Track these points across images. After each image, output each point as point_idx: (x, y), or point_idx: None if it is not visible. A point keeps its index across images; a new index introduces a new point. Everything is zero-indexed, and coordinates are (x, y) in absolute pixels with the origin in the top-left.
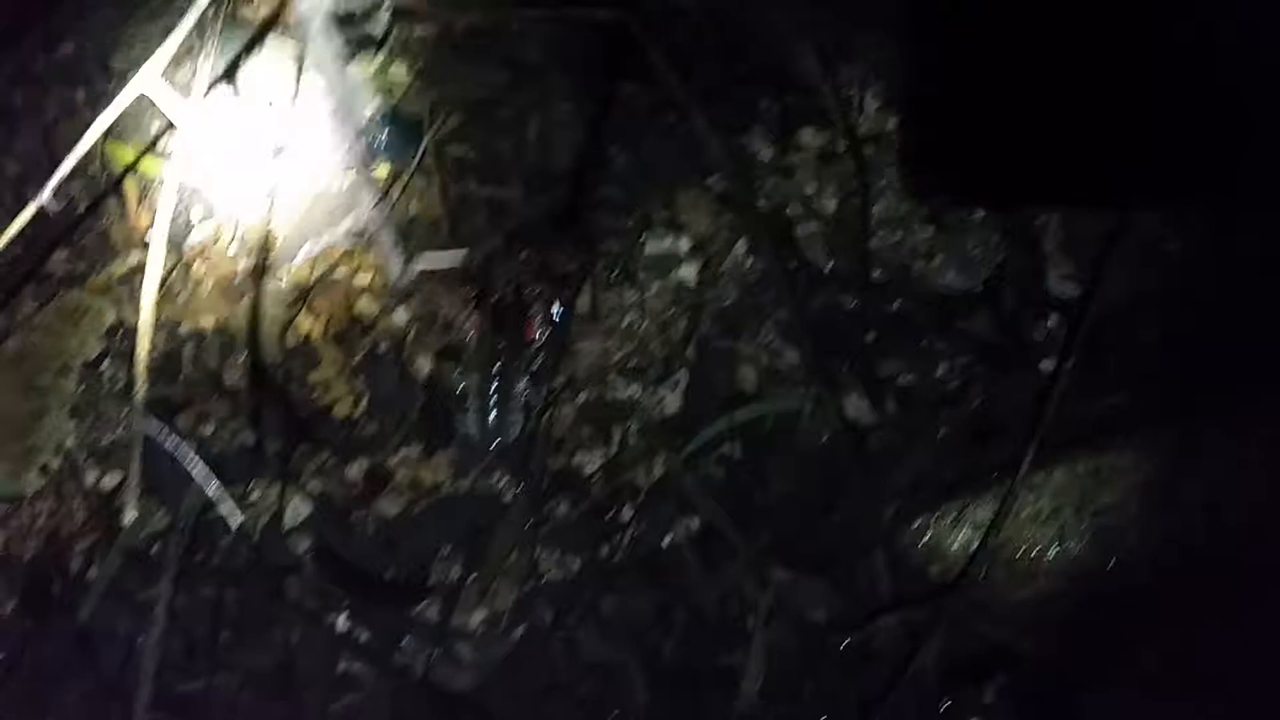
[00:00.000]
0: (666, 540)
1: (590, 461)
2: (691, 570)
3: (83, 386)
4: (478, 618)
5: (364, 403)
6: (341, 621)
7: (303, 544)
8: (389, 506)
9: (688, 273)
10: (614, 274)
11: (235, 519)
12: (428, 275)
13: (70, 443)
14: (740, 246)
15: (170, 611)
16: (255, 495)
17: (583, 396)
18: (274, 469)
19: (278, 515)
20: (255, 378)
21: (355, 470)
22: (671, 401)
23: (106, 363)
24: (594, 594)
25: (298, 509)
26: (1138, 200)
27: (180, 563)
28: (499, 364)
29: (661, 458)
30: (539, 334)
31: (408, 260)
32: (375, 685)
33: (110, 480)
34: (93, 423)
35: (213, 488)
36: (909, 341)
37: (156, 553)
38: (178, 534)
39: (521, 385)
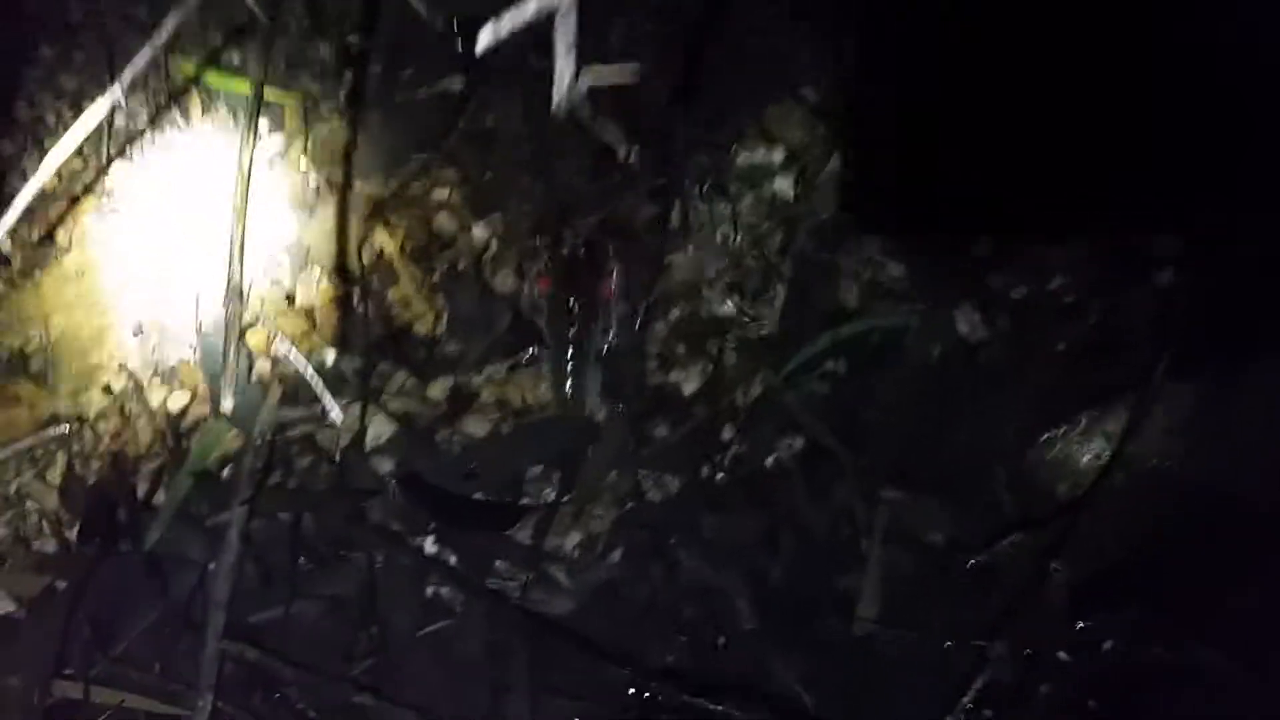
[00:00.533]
0: (770, 460)
1: (688, 380)
2: (798, 490)
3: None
4: (573, 541)
5: (445, 320)
6: (429, 545)
7: (385, 465)
8: (475, 426)
9: (782, 185)
10: (704, 187)
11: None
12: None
13: (134, 361)
14: (836, 159)
15: (244, 536)
16: (334, 415)
17: (676, 312)
18: (353, 388)
19: (359, 436)
20: (330, 295)
21: (438, 389)
22: (769, 318)
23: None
24: (695, 516)
25: (379, 429)
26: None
27: (255, 485)
28: (573, 329)
29: (761, 375)
30: (616, 291)
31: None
32: (466, 610)
33: (177, 400)
34: (157, 342)
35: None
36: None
37: (229, 475)
38: (252, 455)
39: (598, 350)
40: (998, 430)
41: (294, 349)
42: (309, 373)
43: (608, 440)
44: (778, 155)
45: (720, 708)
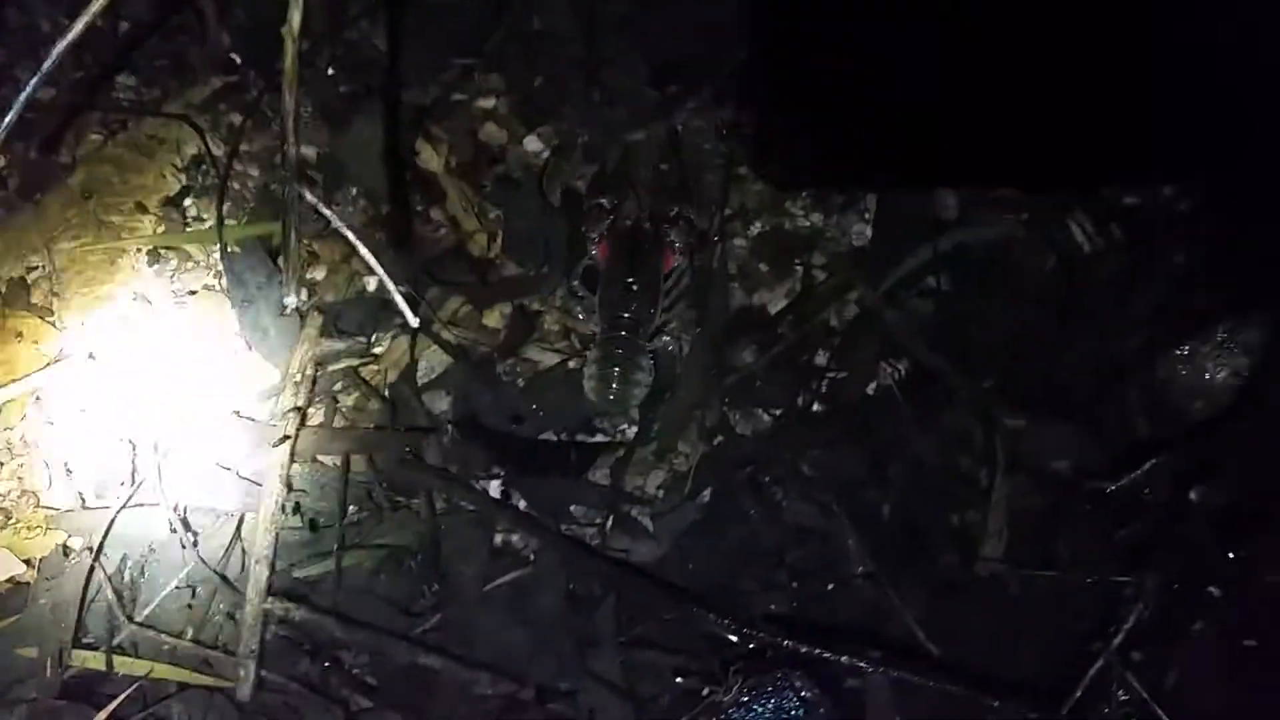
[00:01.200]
0: (872, 386)
1: (773, 300)
2: (905, 419)
3: (161, 227)
4: (656, 481)
5: (499, 240)
6: (494, 488)
7: (440, 402)
8: (540, 356)
9: None
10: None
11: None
12: None
13: (151, 289)
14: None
15: (285, 482)
16: (381, 348)
17: (756, 227)
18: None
19: (409, 369)
20: (370, 214)
21: (496, 316)
22: (860, 230)
23: (190, 199)
24: (793, 450)
25: (432, 362)
26: None
27: (297, 426)
28: (626, 313)
29: (856, 294)
30: (679, 263)
31: None
32: (541, 559)
33: None
34: (177, 267)
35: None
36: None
37: (268, 415)
38: (290, 390)
39: (649, 346)
40: (1121, 347)
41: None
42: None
43: (689, 369)
44: None
45: (833, 655)
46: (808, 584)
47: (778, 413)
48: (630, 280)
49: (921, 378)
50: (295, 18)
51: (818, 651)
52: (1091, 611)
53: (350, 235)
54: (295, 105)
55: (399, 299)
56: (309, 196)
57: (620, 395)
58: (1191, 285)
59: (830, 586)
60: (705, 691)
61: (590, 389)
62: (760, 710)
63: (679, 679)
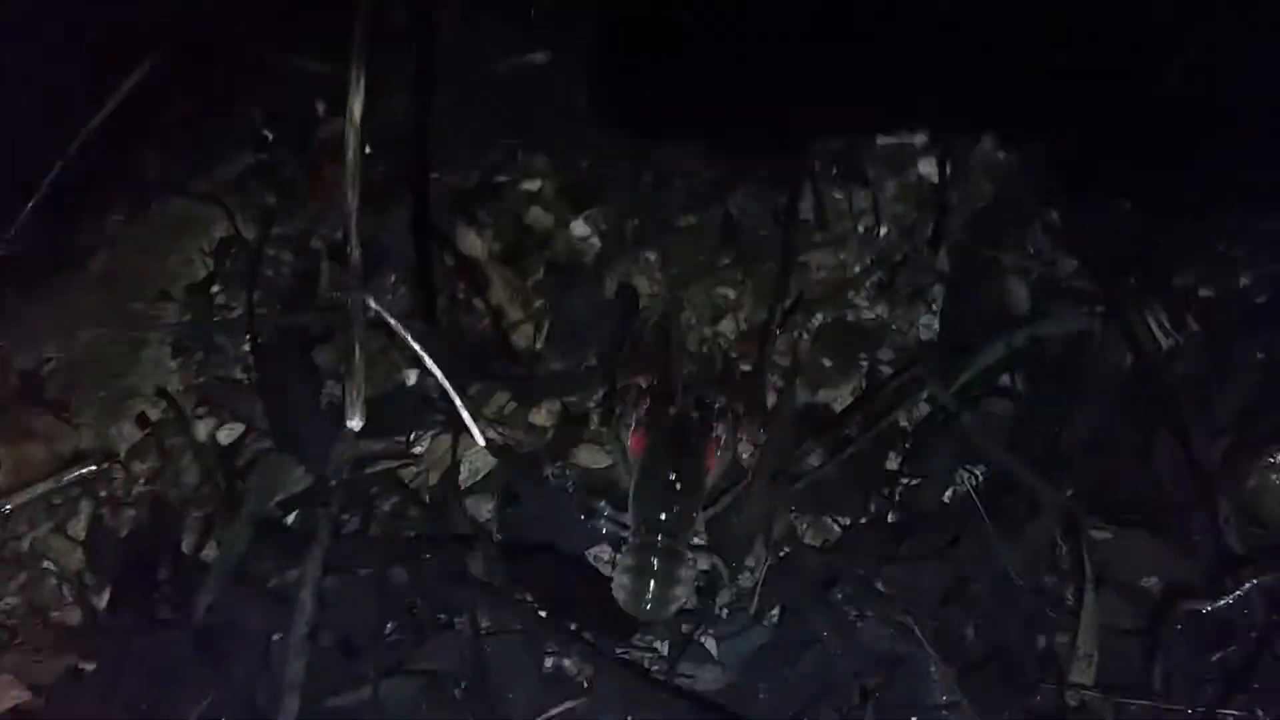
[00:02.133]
0: (948, 493)
1: (839, 398)
2: (985, 530)
3: (187, 315)
4: (722, 600)
5: (545, 331)
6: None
7: (484, 507)
8: (590, 458)
9: (927, 169)
10: (837, 171)
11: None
12: None
13: (174, 385)
14: (987, 139)
15: (319, 599)
16: (421, 447)
17: (818, 319)
18: (443, 412)
19: (450, 471)
20: (408, 302)
21: (544, 414)
22: (927, 323)
23: (216, 286)
24: (866, 564)
25: (476, 463)
26: None
27: (330, 534)
28: (667, 515)
29: (927, 391)
30: (720, 458)
31: None
32: (598, 687)
33: (228, 433)
34: (202, 361)
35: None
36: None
37: (296, 522)
38: (325, 497)
39: (692, 546)
40: (1208, 453)
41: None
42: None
43: (754, 476)
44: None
45: None
46: (889, 716)
47: (848, 522)
48: (673, 478)
49: (1001, 485)
50: (356, 106)
51: None
52: None
53: (419, 349)
54: (356, 203)
55: (469, 421)
56: (375, 306)
57: (656, 609)
58: (1276, 384)
59: (913, 719)
60: None
61: (623, 599)
62: None
63: None
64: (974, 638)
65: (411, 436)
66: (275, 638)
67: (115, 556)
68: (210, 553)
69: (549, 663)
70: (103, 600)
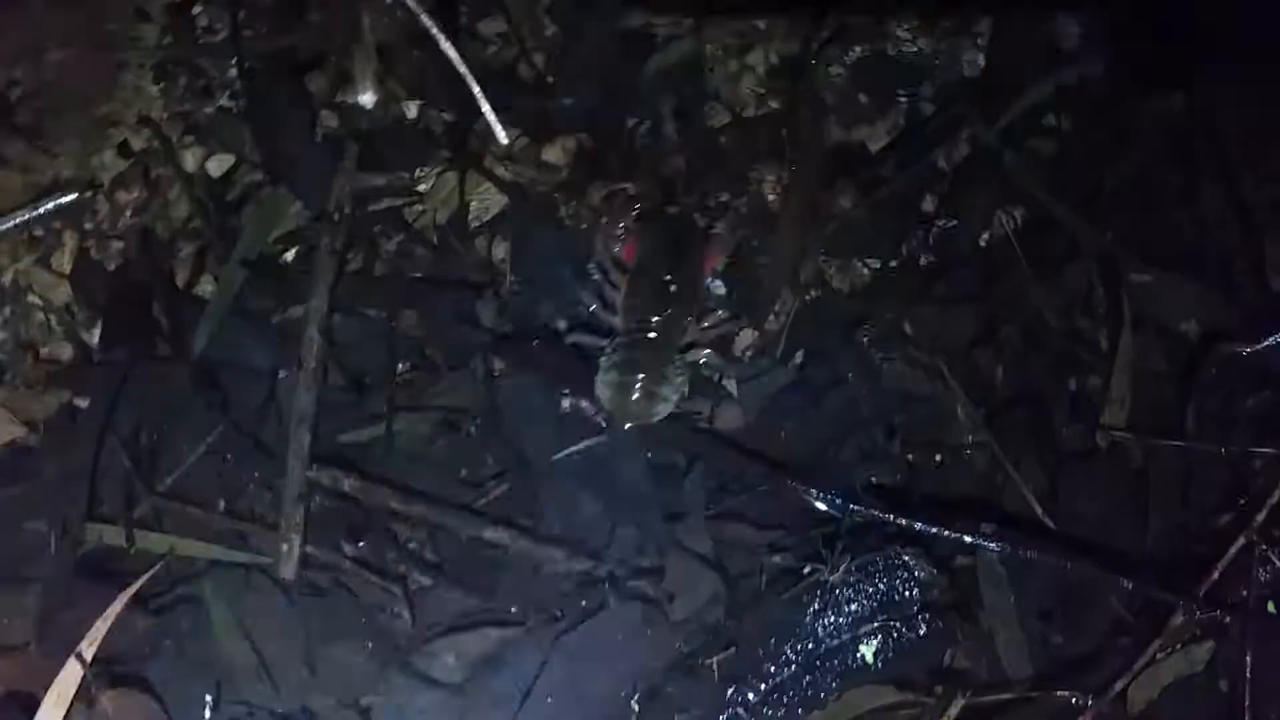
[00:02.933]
0: (985, 236)
1: (874, 137)
2: (1021, 272)
3: (168, 38)
4: (745, 341)
5: (557, 55)
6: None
7: (498, 249)
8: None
9: None
10: None
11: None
12: None
13: (158, 113)
14: None
15: (326, 336)
16: (425, 185)
17: (856, 53)
18: (448, 147)
19: (460, 212)
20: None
21: (558, 150)
22: (972, 59)
23: (198, 6)
24: (896, 307)
25: (485, 203)
26: None
27: (334, 271)
28: (658, 317)
29: (968, 131)
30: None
31: None
32: (614, 429)
33: (219, 164)
34: (187, 87)
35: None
36: None
37: (295, 260)
38: (329, 232)
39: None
40: (1258, 198)
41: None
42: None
43: (782, 215)
44: None
45: (945, 532)
46: (914, 455)
47: (879, 265)
48: (667, 279)
49: (1040, 227)
50: None
51: (928, 527)
52: (1221, 485)
53: (434, 28)
54: None
55: (491, 116)
56: None
57: (639, 409)
58: None
59: (939, 458)
60: (806, 570)
61: (605, 396)
62: (871, 590)
63: (775, 556)
64: (1003, 380)
65: (415, 173)
66: (281, 374)
67: (103, 291)
68: (206, 288)
69: (565, 404)
70: (94, 336)
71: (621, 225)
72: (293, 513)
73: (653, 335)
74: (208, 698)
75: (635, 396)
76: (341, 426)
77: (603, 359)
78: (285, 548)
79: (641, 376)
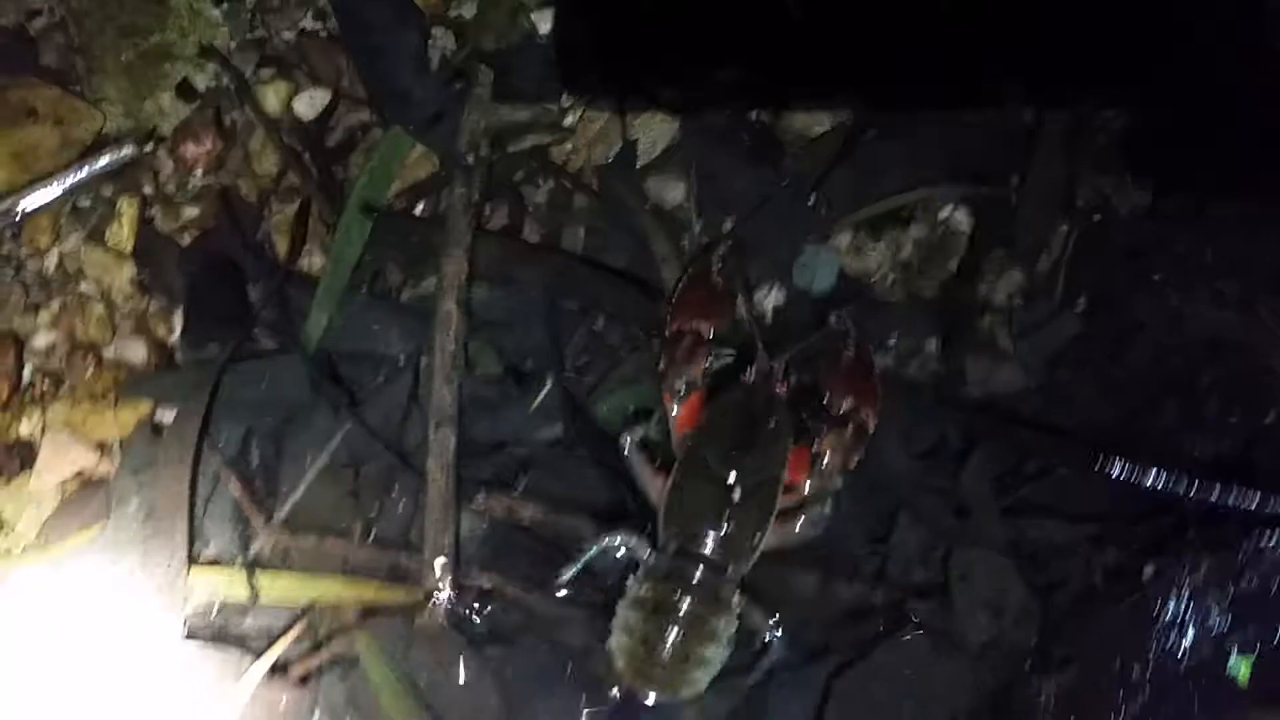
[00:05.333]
0: None
1: None
2: None
3: None
4: (1012, 285)
5: None
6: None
7: (672, 192)
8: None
9: None
10: None
11: None
12: None
13: (223, 41)
14: None
15: (467, 311)
16: (572, 118)
17: None
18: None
19: (627, 148)
20: None
21: (728, 69)
22: None
23: None
24: (1193, 232)
25: (652, 135)
26: None
27: (470, 230)
28: (713, 535)
29: None
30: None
31: None
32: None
33: (310, 102)
34: (257, 7)
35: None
36: None
37: (427, 209)
38: (463, 180)
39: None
40: None
41: None
42: None
43: (1048, 132)
44: None
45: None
46: (1237, 415)
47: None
48: (731, 483)
49: None
50: None
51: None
52: None
53: None
54: None
55: None
56: None
57: (669, 679)
58: None
59: (1270, 418)
60: (1148, 573)
61: (622, 659)
62: (1236, 591)
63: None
64: None
65: (561, 104)
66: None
67: (179, 271)
68: (313, 261)
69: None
70: (173, 330)
71: (686, 380)
72: (439, 537)
73: (701, 568)
74: None
75: (663, 658)
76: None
77: (623, 597)
78: (436, 581)
79: (673, 632)
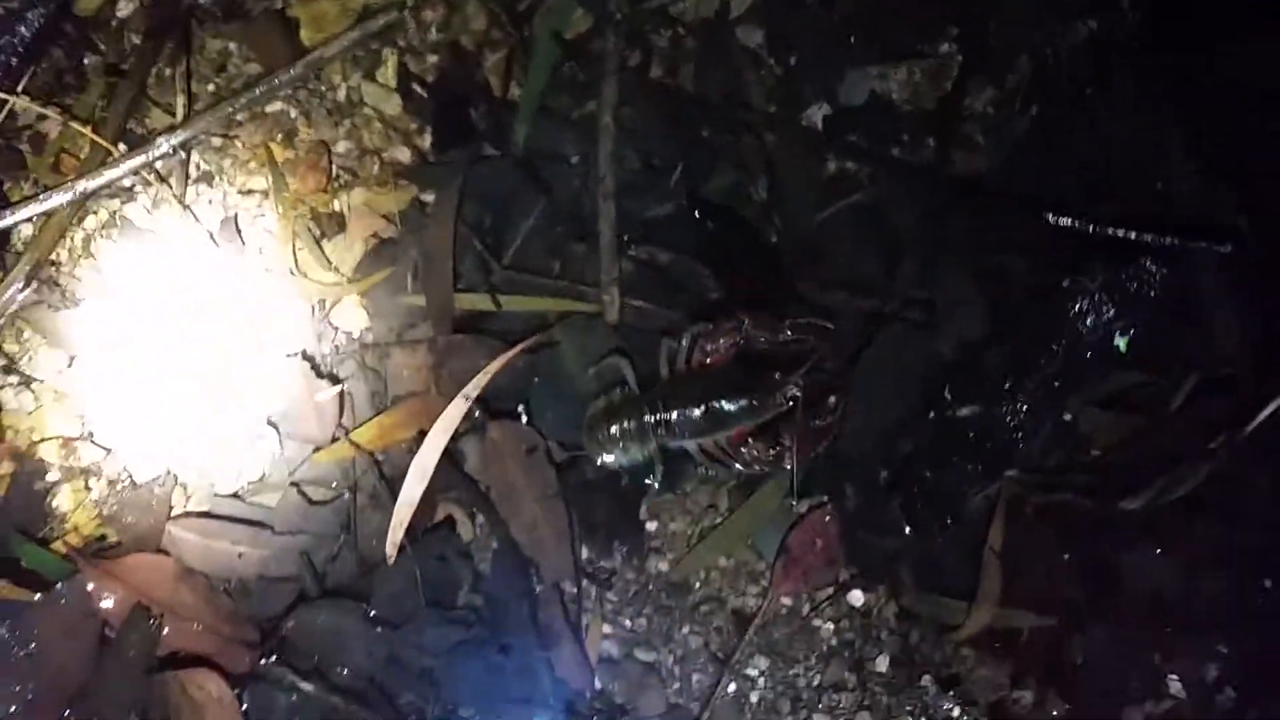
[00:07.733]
0: None
1: None
2: None
3: None
4: (985, 98)
5: None
6: (819, 116)
7: (755, 36)
8: None
9: None
10: None
11: None
12: None
13: None
14: None
15: (618, 122)
16: None
17: None
18: None
19: (723, 5)
20: None
21: None
22: None
23: None
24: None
25: None
26: None
27: (617, 68)
28: (678, 411)
29: None
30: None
31: None
32: (876, 183)
33: None
34: None
35: None
36: None
37: (588, 65)
38: (610, 33)
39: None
40: None
41: None
42: None
43: None
44: None
45: (1179, 241)
46: (1136, 193)
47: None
48: (719, 403)
49: None
50: None
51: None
52: None
53: None
54: None
55: None
56: None
57: (597, 444)
58: None
59: (1159, 188)
60: (1065, 282)
61: (586, 420)
62: (1128, 292)
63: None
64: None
65: None
66: (577, 159)
67: (427, 100)
68: (516, 93)
69: (831, 166)
70: (425, 141)
71: (714, 342)
72: (611, 269)
73: (660, 416)
74: None
75: (612, 431)
76: (641, 204)
77: (598, 400)
78: (607, 298)
79: (628, 424)
